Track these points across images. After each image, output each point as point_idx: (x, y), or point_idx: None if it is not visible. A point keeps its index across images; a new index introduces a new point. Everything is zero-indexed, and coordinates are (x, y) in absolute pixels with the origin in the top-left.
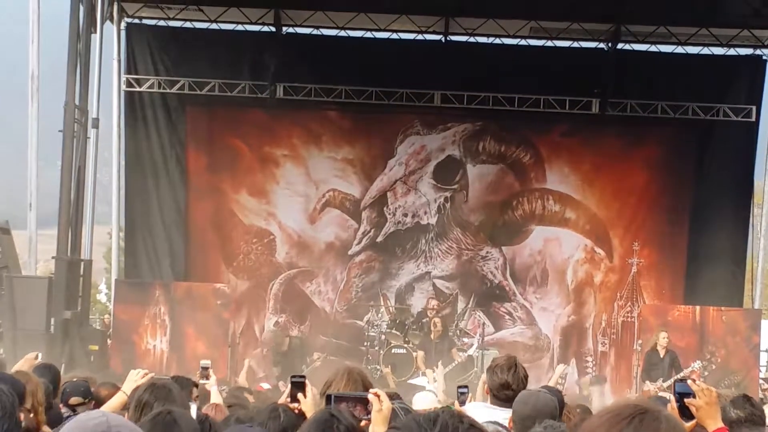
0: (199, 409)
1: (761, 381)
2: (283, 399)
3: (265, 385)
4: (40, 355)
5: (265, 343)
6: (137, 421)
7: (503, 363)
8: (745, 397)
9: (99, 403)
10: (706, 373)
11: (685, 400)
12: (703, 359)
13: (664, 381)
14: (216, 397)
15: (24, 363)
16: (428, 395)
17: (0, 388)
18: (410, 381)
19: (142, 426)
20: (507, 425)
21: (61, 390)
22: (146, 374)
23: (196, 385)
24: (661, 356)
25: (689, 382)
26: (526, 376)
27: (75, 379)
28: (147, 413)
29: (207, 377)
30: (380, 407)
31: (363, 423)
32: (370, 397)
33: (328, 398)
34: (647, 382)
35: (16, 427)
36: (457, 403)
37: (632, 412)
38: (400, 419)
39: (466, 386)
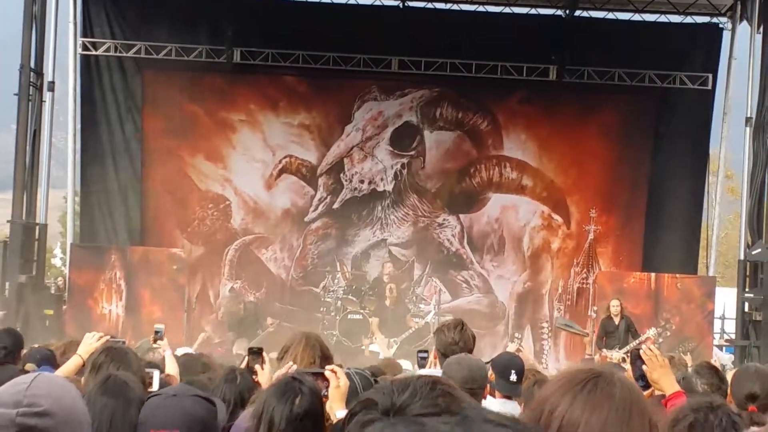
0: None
1: (715, 349)
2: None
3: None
4: None
5: (221, 308)
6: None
7: (450, 323)
8: (710, 368)
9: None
10: (660, 340)
11: (638, 366)
12: (658, 326)
13: (620, 348)
14: (170, 362)
15: None
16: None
17: None
18: (369, 347)
19: (92, 392)
20: None
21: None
22: (101, 337)
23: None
24: (616, 324)
25: (641, 351)
26: (473, 336)
27: (36, 346)
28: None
29: (161, 340)
30: (337, 383)
31: (323, 399)
32: (327, 373)
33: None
34: (604, 350)
35: None
36: (416, 366)
37: (586, 376)
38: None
39: (426, 350)
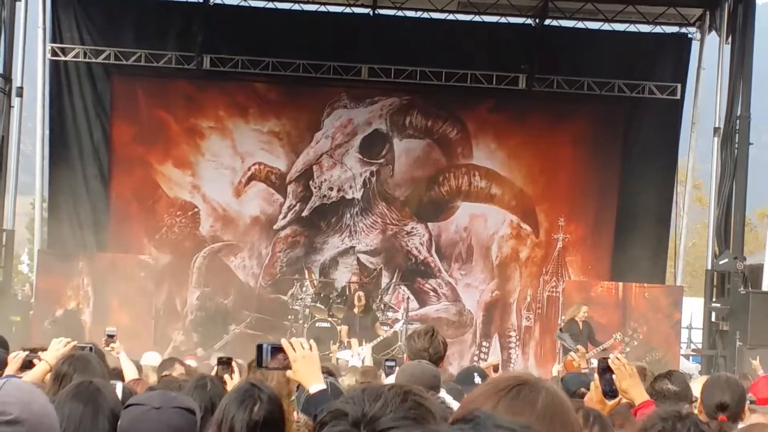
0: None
1: (682, 357)
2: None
3: (191, 362)
4: None
5: (188, 315)
6: (55, 394)
7: (422, 330)
8: (667, 372)
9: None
10: (627, 349)
11: (606, 377)
12: (626, 335)
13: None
14: (126, 364)
15: None
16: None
17: None
18: (337, 355)
19: (63, 396)
20: None
21: None
22: (68, 342)
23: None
24: (580, 328)
25: (609, 360)
26: (444, 343)
27: None
28: (66, 383)
29: (113, 344)
30: (302, 353)
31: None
32: (285, 345)
33: (259, 347)
34: (570, 354)
35: None
36: (383, 375)
37: (511, 383)
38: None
39: (393, 359)
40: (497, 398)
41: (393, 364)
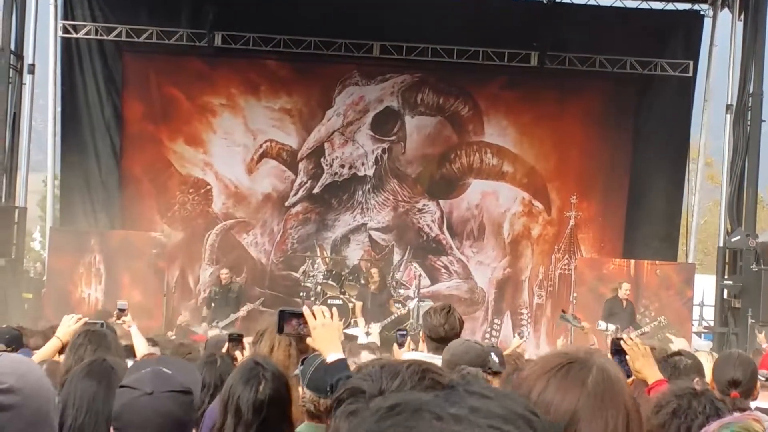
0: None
1: (694, 335)
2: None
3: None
4: None
5: (201, 293)
6: (70, 367)
7: (438, 307)
8: (677, 351)
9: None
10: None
11: (619, 357)
12: (638, 312)
13: (622, 331)
14: (138, 338)
15: None
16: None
17: None
18: (345, 331)
19: (76, 374)
20: None
21: None
22: (80, 319)
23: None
24: (623, 306)
25: (621, 341)
26: (461, 321)
27: (4, 326)
28: (81, 358)
29: (124, 318)
30: (315, 324)
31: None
32: (306, 313)
33: (281, 312)
34: (600, 322)
35: None
36: (395, 345)
37: (561, 361)
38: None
39: (405, 329)
40: (548, 377)
41: (404, 332)
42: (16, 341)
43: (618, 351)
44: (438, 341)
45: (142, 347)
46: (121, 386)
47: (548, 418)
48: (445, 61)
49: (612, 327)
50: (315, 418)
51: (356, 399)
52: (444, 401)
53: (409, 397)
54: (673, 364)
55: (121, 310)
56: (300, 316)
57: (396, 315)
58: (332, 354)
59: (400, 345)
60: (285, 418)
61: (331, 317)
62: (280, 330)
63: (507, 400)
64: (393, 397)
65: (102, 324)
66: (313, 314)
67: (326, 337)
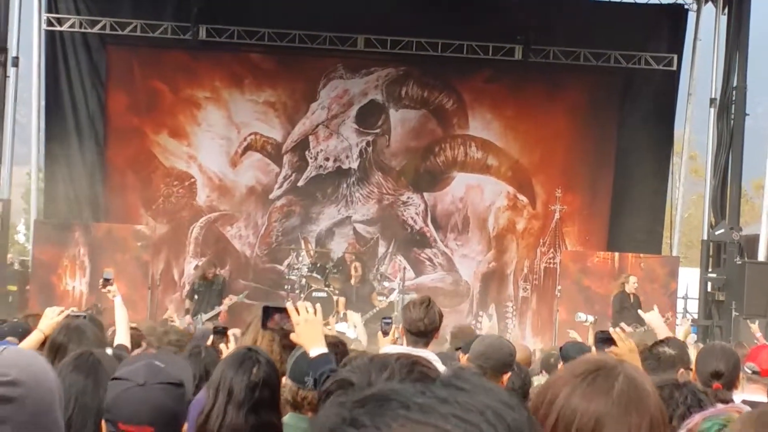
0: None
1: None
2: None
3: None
4: None
5: (185, 285)
6: (52, 363)
7: (417, 300)
8: (665, 338)
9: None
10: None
11: (606, 349)
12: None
13: (636, 328)
14: (120, 310)
15: None
16: None
17: None
18: (335, 328)
19: (63, 368)
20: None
21: None
22: (62, 311)
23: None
24: (631, 301)
25: (610, 331)
26: (440, 314)
27: (15, 320)
28: (61, 354)
29: (109, 287)
30: (299, 319)
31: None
32: (289, 308)
33: (265, 309)
34: (622, 324)
35: None
36: (380, 333)
37: (587, 368)
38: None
39: (390, 317)
40: (574, 384)
41: (389, 320)
42: (28, 335)
43: (604, 340)
44: (417, 335)
45: (122, 319)
46: (114, 378)
47: (532, 415)
48: (430, 54)
49: (591, 318)
50: (295, 408)
51: (345, 391)
52: (415, 391)
53: (385, 387)
54: (657, 356)
55: (107, 280)
56: (283, 311)
57: (377, 309)
58: (315, 348)
59: (385, 333)
60: (275, 405)
61: (315, 313)
62: (264, 325)
63: (482, 392)
64: (373, 388)
65: (85, 317)
66: (297, 310)
67: (309, 333)
